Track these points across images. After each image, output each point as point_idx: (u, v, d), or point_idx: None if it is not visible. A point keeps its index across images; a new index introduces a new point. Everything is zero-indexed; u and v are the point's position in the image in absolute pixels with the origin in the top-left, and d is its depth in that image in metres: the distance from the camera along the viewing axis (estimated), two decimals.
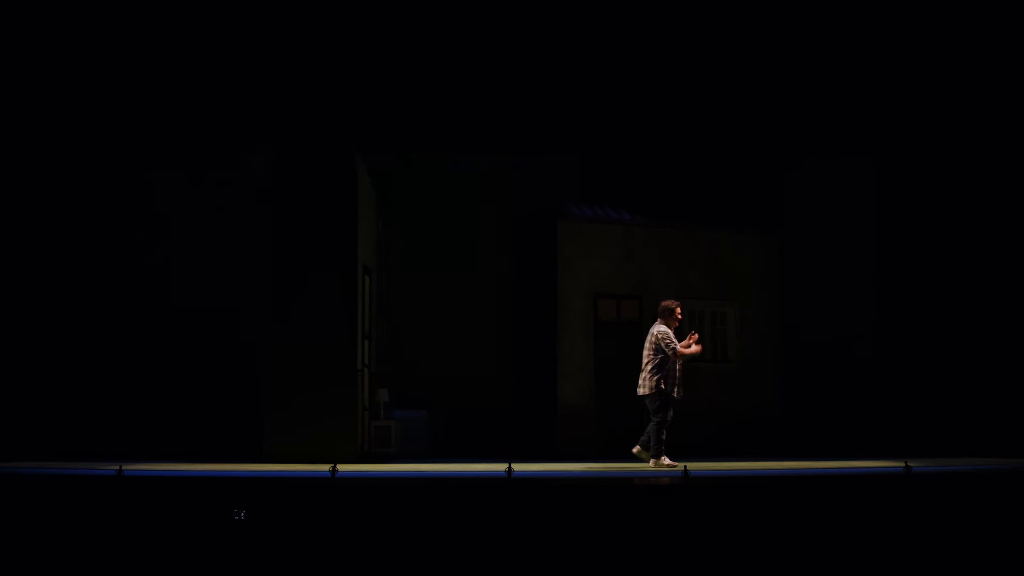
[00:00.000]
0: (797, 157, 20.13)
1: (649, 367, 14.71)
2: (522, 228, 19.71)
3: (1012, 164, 19.12)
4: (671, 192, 20.30)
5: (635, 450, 14.80)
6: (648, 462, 14.60)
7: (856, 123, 19.87)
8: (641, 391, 14.79)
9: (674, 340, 14.70)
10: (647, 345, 14.81)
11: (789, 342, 20.17)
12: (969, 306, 19.28)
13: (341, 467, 12.48)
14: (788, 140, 20.03)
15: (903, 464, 12.14)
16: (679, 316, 15.04)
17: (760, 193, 20.63)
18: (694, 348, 14.71)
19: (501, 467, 12.39)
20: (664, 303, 15.05)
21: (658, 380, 14.61)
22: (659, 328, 14.79)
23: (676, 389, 14.75)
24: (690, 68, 19.90)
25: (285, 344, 16.38)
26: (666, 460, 14.46)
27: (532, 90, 19.84)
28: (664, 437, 14.58)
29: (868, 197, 20.19)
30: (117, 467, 12.00)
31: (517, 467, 12.39)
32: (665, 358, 14.63)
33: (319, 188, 16.70)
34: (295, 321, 16.48)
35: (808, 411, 19.97)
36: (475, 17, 19.22)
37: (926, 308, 19.67)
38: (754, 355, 19.93)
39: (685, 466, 13.68)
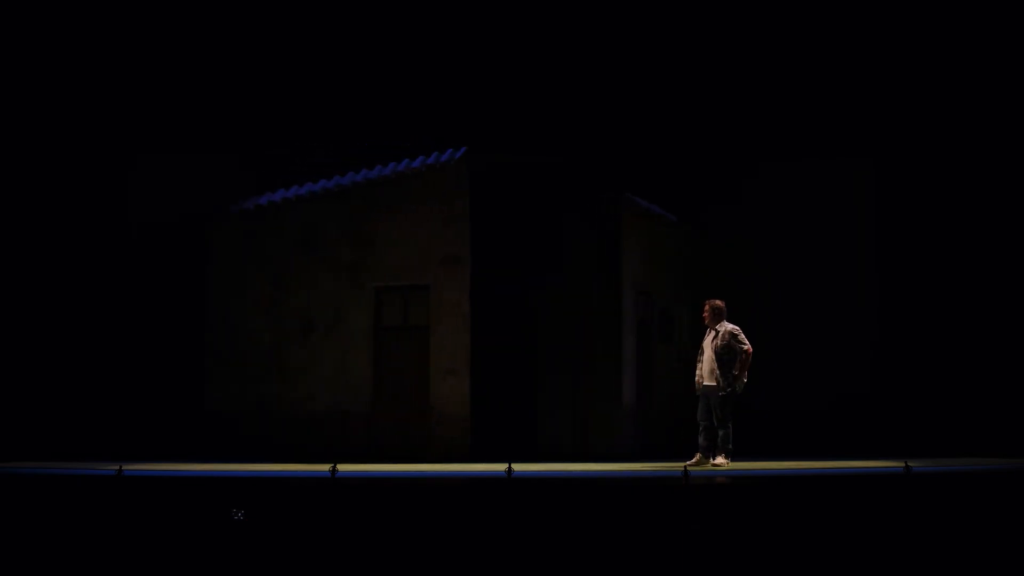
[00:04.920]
0: (798, 158, 20.09)
1: (724, 366, 14.56)
2: (546, 218, 19.25)
3: (1012, 165, 19.13)
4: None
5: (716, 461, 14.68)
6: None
7: (854, 124, 19.86)
8: (718, 390, 14.57)
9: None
10: (717, 345, 14.65)
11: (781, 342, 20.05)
12: (969, 306, 19.27)
13: (341, 467, 12.47)
14: (787, 141, 20.03)
15: (903, 464, 12.13)
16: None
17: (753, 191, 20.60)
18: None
19: (501, 467, 12.38)
20: (720, 303, 14.96)
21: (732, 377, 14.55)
22: (734, 326, 14.72)
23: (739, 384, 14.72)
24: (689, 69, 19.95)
25: (549, 354, 18.39)
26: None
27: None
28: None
29: (869, 198, 20.16)
30: (117, 467, 11.99)
31: (517, 467, 12.38)
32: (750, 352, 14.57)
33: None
34: (557, 331, 18.22)
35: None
36: None
37: (926, 308, 19.66)
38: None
39: (685, 466, 13.67)
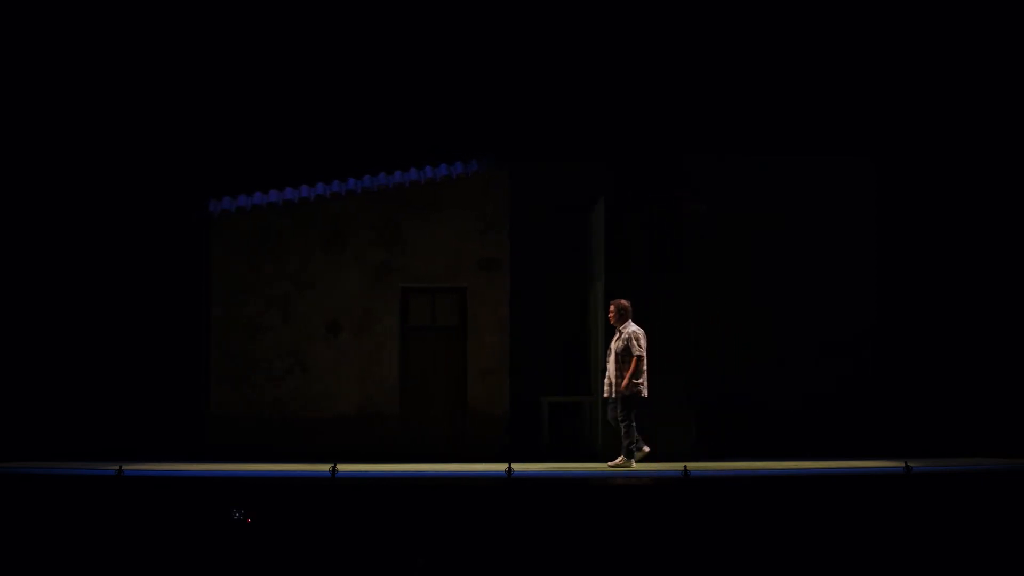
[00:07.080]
0: (801, 154, 20.05)
1: (623, 367, 14.48)
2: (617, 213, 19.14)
3: (1013, 165, 19.13)
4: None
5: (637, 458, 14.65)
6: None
7: (854, 122, 19.84)
8: (617, 392, 14.53)
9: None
10: (619, 346, 14.55)
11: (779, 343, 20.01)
12: (969, 305, 19.26)
13: (341, 467, 12.48)
14: (787, 136, 20.00)
15: (903, 464, 12.14)
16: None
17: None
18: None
19: (501, 467, 12.39)
20: (626, 302, 14.84)
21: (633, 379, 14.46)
22: (637, 328, 14.64)
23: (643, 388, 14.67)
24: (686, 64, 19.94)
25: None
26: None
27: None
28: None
29: (869, 196, 20.12)
30: (117, 467, 11.99)
31: (517, 467, 12.39)
32: (640, 357, 14.51)
33: None
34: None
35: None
36: None
37: (926, 307, 19.67)
38: None
39: (685, 466, 13.69)
